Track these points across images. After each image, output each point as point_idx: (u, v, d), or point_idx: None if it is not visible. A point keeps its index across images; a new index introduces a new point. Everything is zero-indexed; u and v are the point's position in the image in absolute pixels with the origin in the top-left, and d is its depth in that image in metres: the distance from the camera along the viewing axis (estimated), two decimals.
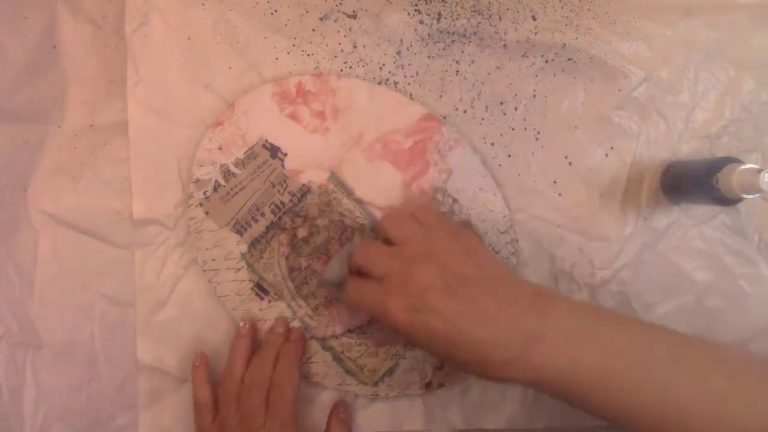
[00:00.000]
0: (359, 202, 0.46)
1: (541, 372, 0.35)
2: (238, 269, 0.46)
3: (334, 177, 0.46)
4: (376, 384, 0.47)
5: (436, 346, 0.37)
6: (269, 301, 0.46)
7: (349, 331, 0.47)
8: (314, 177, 0.46)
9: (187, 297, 0.47)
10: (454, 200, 0.47)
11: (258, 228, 0.46)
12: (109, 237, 0.47)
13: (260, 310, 0.46)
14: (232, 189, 0.46)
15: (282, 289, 0.46)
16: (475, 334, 0.35)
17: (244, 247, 0.46)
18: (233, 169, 0.46)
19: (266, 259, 0.46)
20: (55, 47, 0.46)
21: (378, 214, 0.46)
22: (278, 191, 0.46)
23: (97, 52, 0.47)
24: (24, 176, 0.46)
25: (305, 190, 0.46)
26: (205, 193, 0.46)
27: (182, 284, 0.47)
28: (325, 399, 0.48)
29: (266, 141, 0.46)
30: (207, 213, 0.46)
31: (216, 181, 0.46)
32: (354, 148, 0.47)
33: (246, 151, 0.46)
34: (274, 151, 0.46)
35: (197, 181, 0.46)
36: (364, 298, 0.39)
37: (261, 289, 0.46)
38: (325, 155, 0.46)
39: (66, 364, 0.46)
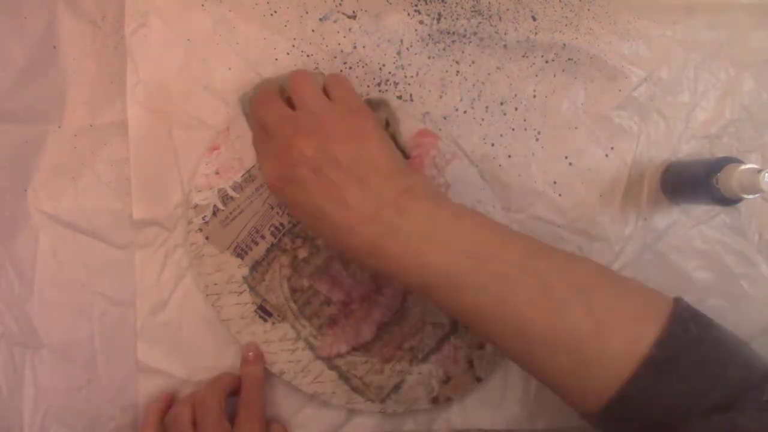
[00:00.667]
0: None
1: (394, 264, 0.36)
2: (241, 293, 0.46)
3: None
4: (383, 401, 0.46)
5: (303, 218, 0.39)
6: (273, 323, 0.46)
7: (354, 349, 0.46)
8: None
9: (188, 298, 0.47)
10: None
11: (258, 251, 0.46)
12: (109, 237, 0.47)
13: (264, 332, 0.46)
14: (231, 213, 0.46)
15: (285, 311, 0.46)
16: (333, 217, 0.36)
17: (245, 271, 0.46)
18: (231, 192, 0.46)
19: (268, 282, 0.46)
20: (55, 47, 0.46)
21: None
22: (277, 213, 0.46)
23: (97, 52, 0.47)
24: (24, 176, 0.46)
25: None
26: (204, 218, 0.46)
27: (183, 285, 0.47)
28: (331, 417, 0.47)
29: None
30: (207, 238, 0.46)
31: (214, 205, 0.46)
32: None
33: (243, 175, 0.46)
34: None
35: (196, 206, 0.46)
36: (256, 144, 0.43)
37: (264, 312, 0.46)
38: None
39: (65, 364, 0.46)
